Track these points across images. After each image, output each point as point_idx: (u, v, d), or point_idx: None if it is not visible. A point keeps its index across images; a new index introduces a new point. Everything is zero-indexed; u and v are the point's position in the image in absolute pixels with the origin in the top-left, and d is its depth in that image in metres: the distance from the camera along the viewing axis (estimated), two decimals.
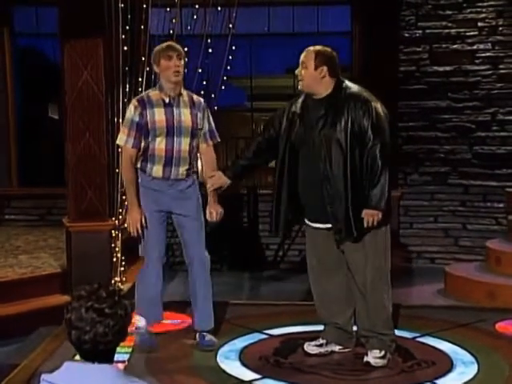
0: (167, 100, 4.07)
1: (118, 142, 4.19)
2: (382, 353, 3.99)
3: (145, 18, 5.96)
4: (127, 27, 5.79)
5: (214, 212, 4.22)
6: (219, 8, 6.42)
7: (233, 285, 6.67)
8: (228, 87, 6.74)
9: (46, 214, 7.82)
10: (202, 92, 6.45)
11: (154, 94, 4.12)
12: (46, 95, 9.08)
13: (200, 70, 6.36)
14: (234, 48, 6.48)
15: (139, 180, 4.18)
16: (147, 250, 4.17)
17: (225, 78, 6.52)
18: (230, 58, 6.47)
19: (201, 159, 4.28)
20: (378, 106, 3.85)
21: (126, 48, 5.74)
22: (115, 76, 5.62)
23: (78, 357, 2.07)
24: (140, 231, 4.09)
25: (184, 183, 4.16)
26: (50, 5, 6.70)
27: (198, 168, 4.27)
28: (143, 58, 5.95)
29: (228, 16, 6.44)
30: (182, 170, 4.11)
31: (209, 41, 6.40)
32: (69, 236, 5.52)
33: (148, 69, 6.01)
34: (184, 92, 4.15)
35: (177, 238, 4.49)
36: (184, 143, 4.08)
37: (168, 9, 6.19)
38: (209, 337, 4.25)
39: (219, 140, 4.25)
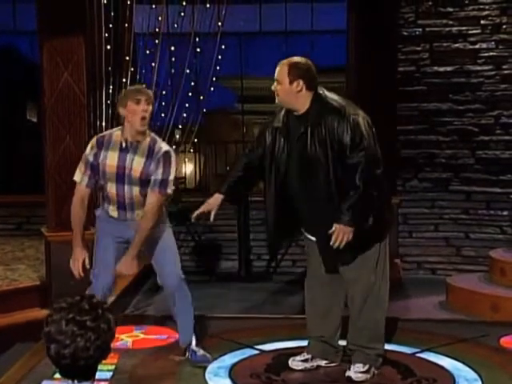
0: (124, 144, 4.08)
1: (74, 177, 4.23)
2: (366, 367, 4.03)
3: (129, 15, 5.98)
4: (110, 25, 5.81)
5: (124, 266, 4.08)
6: (208, 5, 6.44)
7: (222, 297, 6.67)
8: (217, 88, 6.76)
9: (24, 222, 7.79)
10: (190, 94, 6.48)
11: (116, 134, 4.13)
12: (24, 97, 9.07)
13: (188, 71, 6.38)
14: (223, 47, 6.50)
15: (97, 213, 4.27)
16: (96, 275, 4.20)
17: (214, 78, 6.53)
18: (220, 57, 6.49)
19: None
20: (360, 120, 3.78)
21: (109, 47, 5.75)
22: (97, 76, 5.63)
23: (57, 375, 2.06)
24: (81, 273, 4.10)
25: None
26: (28, 0, 6.70)
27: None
28: (127, 58, 5.96)
29: (217, 13, 6.46)
30: (138, 212, 4.12)
31: (197, 39, 6.42)
32: (48, 246, 5.51)
33: (132, 69, 6.03)
34: (147, 139, 4.08)
35: None
36: (135, 190, 4.08)
37: (153, 6, 6.21)
38: (201, 352, 4.26)
39: (168, 193, 4.08)
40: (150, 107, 4.04)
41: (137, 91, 4.09)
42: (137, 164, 4.04)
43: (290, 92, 3.83)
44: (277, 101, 3.91)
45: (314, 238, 4.03)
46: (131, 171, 4.04)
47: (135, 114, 3.99)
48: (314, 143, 3.79)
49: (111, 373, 4.09)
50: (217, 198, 4.06)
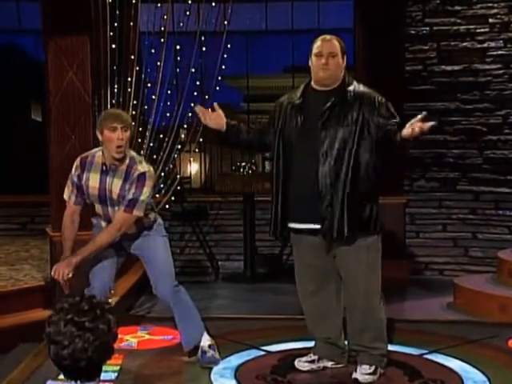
0: (104, 167, 4.11)
1: (64, 195, 4.27)
2: (372, 368, 4.02)
3: (134, 14, 5.98)
4: (115, 24, 5.81)
5: (58, 271, 4.01)
6: (213, 3, 6.43)
7: (228, 297, 6.67)
8: (223, 87, 6.75)
9: (28, 222, 7.81)
10: (195, 93, 6.48)
11: (98, 155, 4.15)
12: (28, 96, 9.08)
13: (193, 70, 6.38)
14: (229, 46, 6.49)
15: (94, 222, 4.33)
16: (92, 276, 4.24)
17: (219, 77, 6.53)
18: (225, 56, 6.49)
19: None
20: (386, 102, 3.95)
21: (114, 46, 5.75)
22: (102, 76, 5.63)
23: (62, 376, 2.06)
24: (63, 284, 4.06)
25: (136, 233, 4.24)
26: None
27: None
28: (132, 57, 5.96)
29: (223, 12, 6.46)
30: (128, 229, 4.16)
31: (202, 38, 6.42)
32: (53, 246, 5.51)
33: (137, 68, 6.04)
34: (126, 161, 4.09)
35: None
36: (117, 210, 4.11)
37: (159, 4, 6.21)
38: (210, 352, 4.26)
39: (135, 214, 4.05)
40: (127, 133, 4.04)
41: (113, 118, 4.07)
42: (115, 187, 4.09)
43: (341, 65, 3.94)
44: (324, 75, 3.92)
45: (310, 226, 3.95)
46: (111, 193, 4.10)
47: (111, 142, 4.00)
48: (342, 120, 3.84)
49: (116, 373, 4.09)
50: (221, 119, 4.09)
